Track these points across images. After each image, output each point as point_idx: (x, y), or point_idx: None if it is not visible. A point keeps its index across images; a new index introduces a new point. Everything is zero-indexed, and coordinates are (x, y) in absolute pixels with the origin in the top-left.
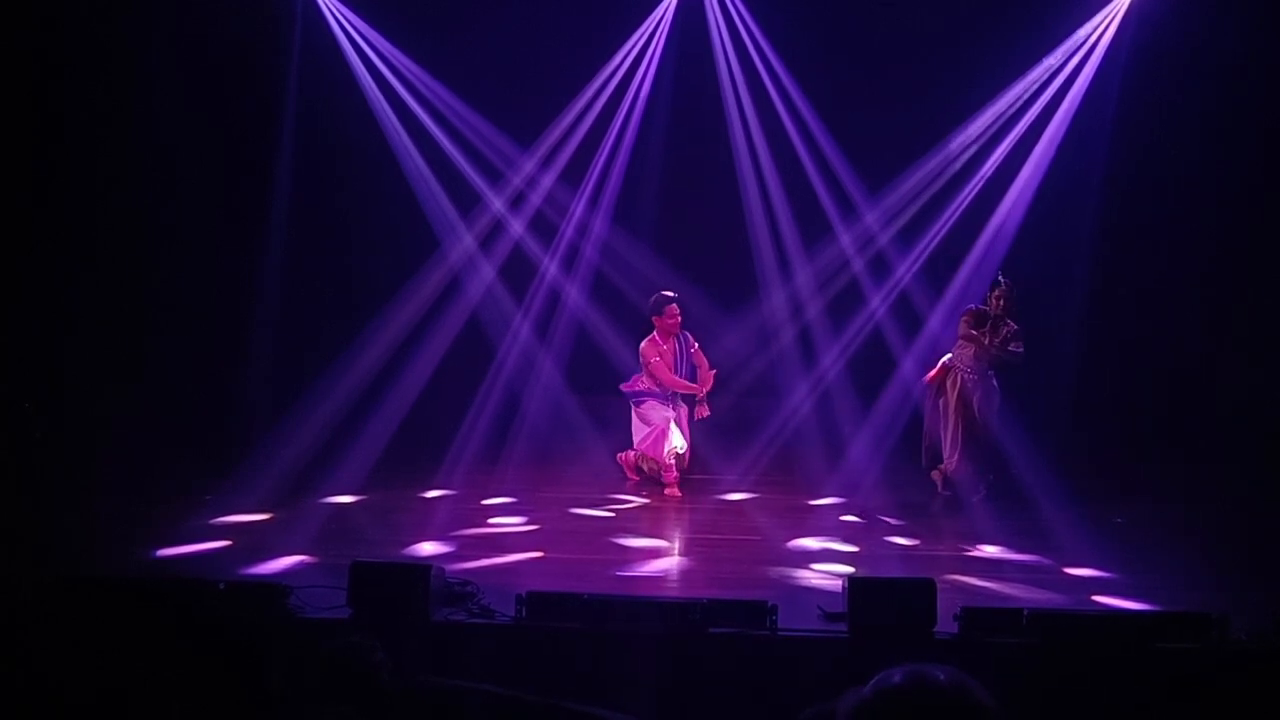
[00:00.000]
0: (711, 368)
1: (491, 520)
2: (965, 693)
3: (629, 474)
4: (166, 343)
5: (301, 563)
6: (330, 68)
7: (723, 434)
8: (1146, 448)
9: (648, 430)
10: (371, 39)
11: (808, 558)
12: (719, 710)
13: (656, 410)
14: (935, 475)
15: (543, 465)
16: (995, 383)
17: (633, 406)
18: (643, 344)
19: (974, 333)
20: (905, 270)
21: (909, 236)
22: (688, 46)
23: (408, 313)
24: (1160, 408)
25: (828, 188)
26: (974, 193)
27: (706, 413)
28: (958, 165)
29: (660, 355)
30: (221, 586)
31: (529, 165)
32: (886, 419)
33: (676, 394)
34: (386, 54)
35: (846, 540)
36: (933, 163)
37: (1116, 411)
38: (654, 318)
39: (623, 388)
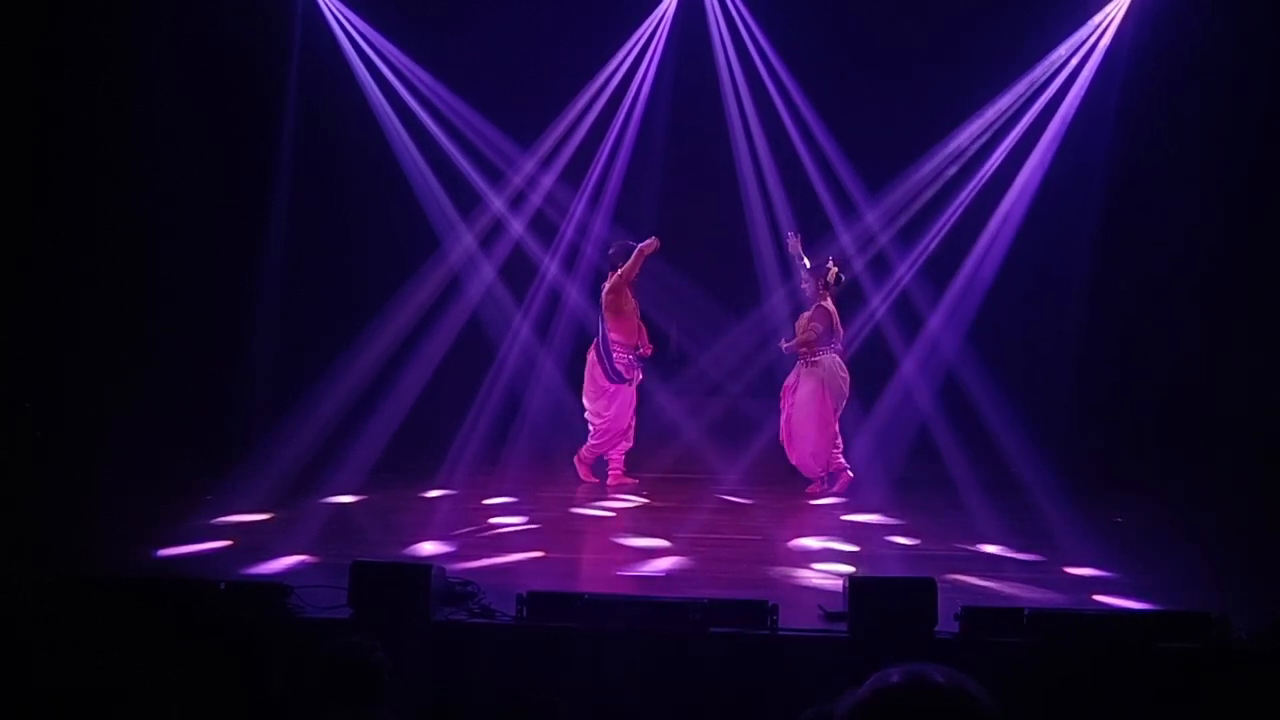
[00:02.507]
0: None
1: (492, 520)
2: (963, 693)
3: (622, 479)
4: (166, 343)
5: (302, 563)
6: (330, 68)
7: (723, 434)
8: (1146, 447)
9: (626, 417)
10: (371, 39)
11: (808, 558)
12: (719, 710)
13: (629, 398)
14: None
15: (543, 465)
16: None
17: (625, 385)
18: (610, 288)
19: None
20: (906, 270)
21: (909, 236)
22: (688, 46)
23: (408, 312)
24: (1161, 407)
25: (828, 187)
26: (974, 192)
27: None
28: (952, 170)
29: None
30: (221, 586)
31: (529, 165)
32: (887, 419)
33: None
34: (386, 54)
35: (846, 540)
36: (931, 164)
37: (1117, 411)
38: (623, 265)
39: (620, 362)
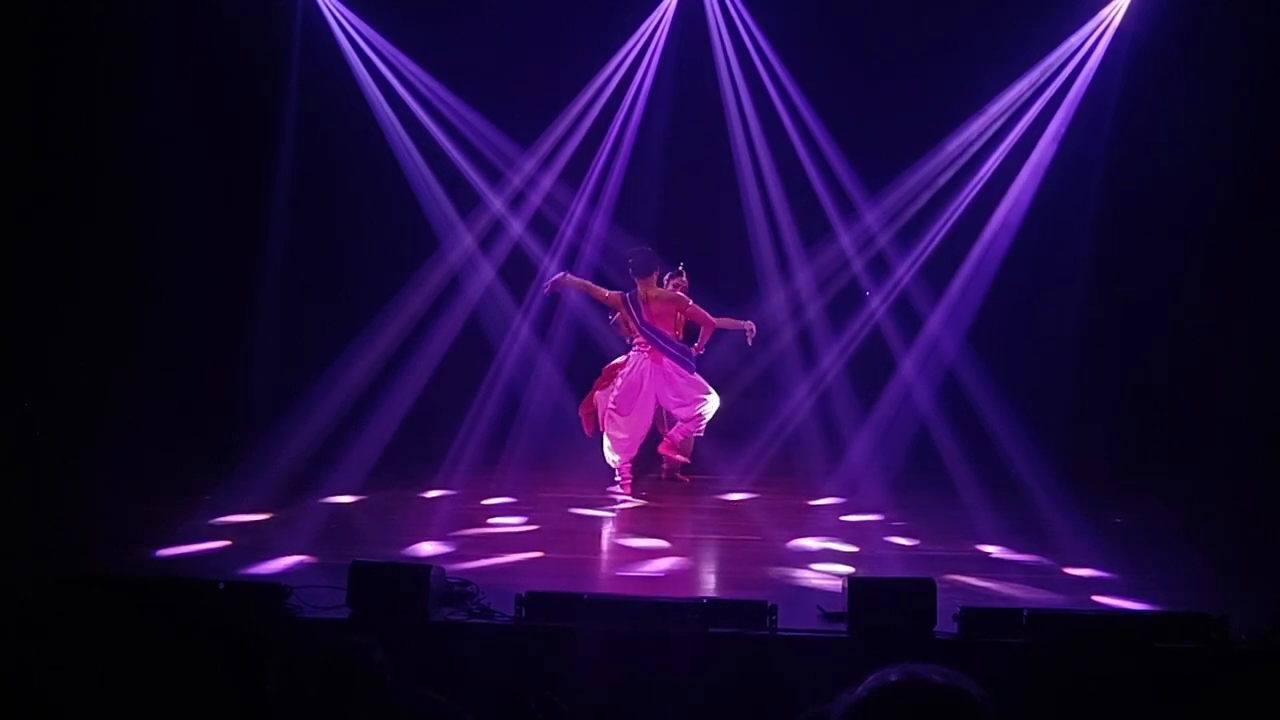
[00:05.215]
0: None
1: (491, 520)
2: (961, 693)
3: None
4: (166, 342)
5: (301, 563)
6: (330, 68)
7: (723, 434)
8: (1147, 448)
9: (707, 396)
10: (371, 39)
11: (808, 558)
12: (719, 710)
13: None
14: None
15: (543, 465)
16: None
17: (692, 369)
18: (682, 294)
19: None
20: (905, 270)
21: (909, 236)
22: (688, 47)
23: (407, 313)
24: (1161, 406)
25: (828, 188)
26: (974, 192)
27: None
28: (968, 155)
29: None
30: (221, 586)
31: (529, 165)
32: (887, 419)
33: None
34: (386, 54)
35: (846, 540)
36: (937, 159)
37: (1117, 410)
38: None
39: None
